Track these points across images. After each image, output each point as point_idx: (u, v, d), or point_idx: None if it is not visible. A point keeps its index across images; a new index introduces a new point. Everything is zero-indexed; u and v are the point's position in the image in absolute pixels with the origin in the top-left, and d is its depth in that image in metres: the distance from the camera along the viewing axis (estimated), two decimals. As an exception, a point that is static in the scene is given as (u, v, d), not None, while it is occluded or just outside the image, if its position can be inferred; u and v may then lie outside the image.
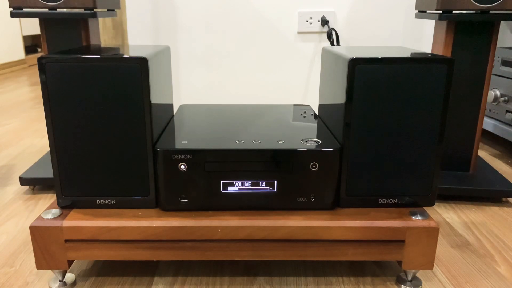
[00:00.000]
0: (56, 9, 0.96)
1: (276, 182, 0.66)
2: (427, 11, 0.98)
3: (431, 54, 0.68)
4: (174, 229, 0.65)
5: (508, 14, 0.92)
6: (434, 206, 1.00)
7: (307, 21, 1.48)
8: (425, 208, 0.70)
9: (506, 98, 1.31)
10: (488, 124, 1.40)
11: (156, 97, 0.69)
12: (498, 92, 1.34)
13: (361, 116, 0.65)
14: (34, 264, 0.76)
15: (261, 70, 1.55)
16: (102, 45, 0.82)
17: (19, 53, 3.37)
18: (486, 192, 0.99)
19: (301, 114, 0.87)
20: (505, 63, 1.33)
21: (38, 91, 2.42)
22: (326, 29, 1.49)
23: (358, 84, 0.64)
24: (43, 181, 1.05)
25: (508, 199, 1.03)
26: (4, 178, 1.15)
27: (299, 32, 1.50)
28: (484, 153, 1.37)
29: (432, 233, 0.65)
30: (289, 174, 0.66)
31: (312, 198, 0.67)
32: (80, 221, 0.65)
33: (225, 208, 0.68)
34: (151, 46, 0.78)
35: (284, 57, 1.53)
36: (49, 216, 0.65)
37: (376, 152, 0.66)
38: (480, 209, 0.99)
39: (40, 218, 0.65)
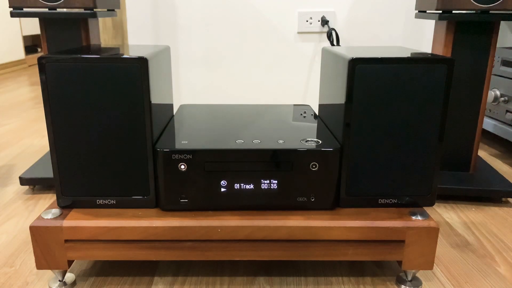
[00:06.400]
0: (56, 9, 0.96)
1: (276, 182, 0.66)
2: (427, 11, 0.98)
3: (431, 54, 0.68)
4: (174, 229, 0.65)
5: (508, 14, 0.92)
6: (434, 206, 1.00)
7: (307, 21, 1.48)
8: (425, 208, 0.70)
9: (506, 98, 1.31)
10: (488, 124, 1.40)
11: (156, 97, 0.69)
12: (498, 92, 1.34)
13: (361, 116, 0.65)
14: (34, 264, 0.76)
15: (261, 70, 1.55)
16: (102, 45, 0.82)
17: (19, 53, 3.37)
18: (486, 192, 0.99)
19: (301, 114, 0.87)
20: (505, 63, 1.33)
21: (38, 91, 2.42)
22: (326, 29, 1.49)
23: (358, 84, 0.64)
24: (43, 181, 1.05)
25: (508, 199, 1.03)
26: (4, 178, 1.15)
27: (299, 32, 1.50)
28: (484, 153, 1.37)
29: (432, 233, 0.65)
30: (289, 174, 0.66)
31: (312, 198, 0.67)
32: (80, 221, 0.65)
33: (225, 208, 0.68)
34: (151, 46, 0.78)
35: (284, 57, 1.53)
36: (49, 216, 0.65)
37: (376, 152, 0.66)
38: (480, 209, 0.99)
39: (40, 218, 0.65)
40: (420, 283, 0.71)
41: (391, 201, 0.69)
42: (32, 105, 2.05)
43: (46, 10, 0.96)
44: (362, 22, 1.50)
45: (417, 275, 0.73)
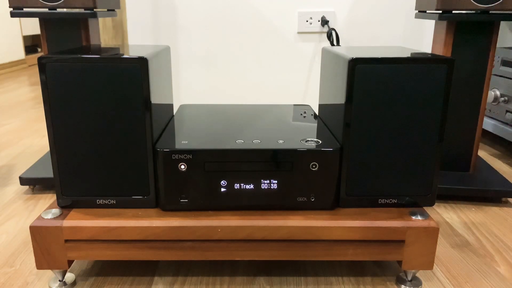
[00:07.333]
0: (56, 9, 0.96)
1: (276, 182, 0.66)
2: (427, 11, 0.98)
3: (431, 54, 0.68)
4: (174, 229, 0.65)
5: (508, 14, 0.92)
6: (434, 206, 1.00)
7: (307, 21, 1.49)
8: (425, 208, 0.70)
9: (506, 98, 1.31)
10: (488, 124, 1.40)
11: (156, 97, 0.69)
12: (498, 92, 1.34)
13: (361, 116, 0.65)
14: (34, 264, 0.76)
15: (261, 70, 1.55)
16: (102, 45, 0.82)
17: (19, 53, 3.37)
18: (486, 192, 0.99)
19: (301, 114, 0.87)
20: (505, 63, 1.33)
21: (38, 91, 2.42)
22: (326, 29, 1.49)
23: (358, 84, 0.64)
24: (43, 181, 1.05)
25: (508, 199, 1.03)
26: (4, 178, 1.15)
27: (299, 32, 1.50)
28: (484, 153, 1.37)
29: (432, 233, 0.65)
30: (289, 174, 0.66)
31: (312, 198, 0.67)
32: (80, 221, 0.65)
33: (225, 208, 0.68)
34: (151, 46, 0.78)
35: (284, 57, 1.53)
36: (49, 216, 0.65)
37: (376, 152, 0.66)
38: (480, 209, 0.99)
39: (40, 218, 0.65)
40: (420, 283, 0.71)
41: (391, 201, 0.69)
42: (32, 105, 2.05)
43: (46, 10, 0.96)
44: (362, 22, 1.50)
45: (417, 275, 0.73)
